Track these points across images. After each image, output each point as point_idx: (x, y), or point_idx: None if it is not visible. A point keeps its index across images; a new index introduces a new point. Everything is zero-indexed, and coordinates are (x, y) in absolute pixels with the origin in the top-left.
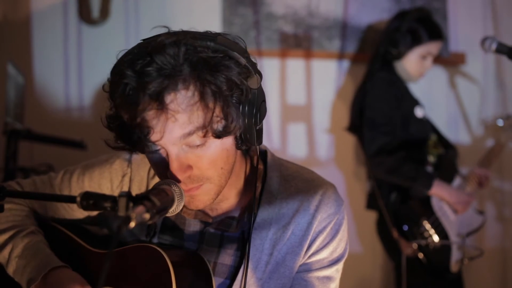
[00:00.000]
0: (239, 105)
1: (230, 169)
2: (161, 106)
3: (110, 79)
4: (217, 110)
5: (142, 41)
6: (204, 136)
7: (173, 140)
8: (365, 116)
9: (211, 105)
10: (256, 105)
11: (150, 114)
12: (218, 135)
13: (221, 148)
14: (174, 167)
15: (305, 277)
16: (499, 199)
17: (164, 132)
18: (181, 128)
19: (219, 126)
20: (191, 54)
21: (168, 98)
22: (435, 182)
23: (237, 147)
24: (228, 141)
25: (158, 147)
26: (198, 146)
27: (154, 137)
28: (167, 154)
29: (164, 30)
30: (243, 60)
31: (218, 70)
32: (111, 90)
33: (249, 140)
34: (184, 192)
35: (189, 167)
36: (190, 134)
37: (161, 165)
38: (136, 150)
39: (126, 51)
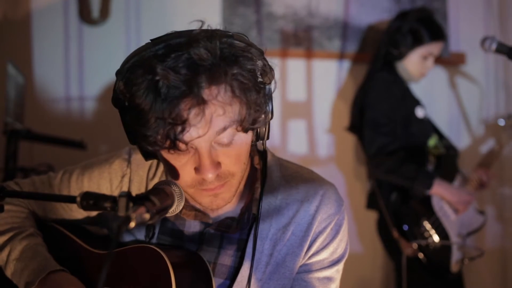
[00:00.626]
0: (262, 99)
1: (247, 164)
2: (203, 101)
3: (128, 80)
4: (250, 104)
5: (151, 40)
6: (237, 129)
7: (210, 135)
8: (365, 116)
9: (244, 98)
10: (271, 100)
11: (192, 111)
12: (247, 129)
13: (245, 143)
14: (207, 164)
15: (305, 278)
16: (499, 199)
17: (209, 127)
18: (223, 121)
19: (249, 119)
20: (224, 48)
21: (210, 93)
22: (436, 181)
23: (253, 142)
24: (250, 135)
25: (186, 148)
26: (226, 142)
27: (195, 133)
28: (196, 153)
29: (179, 28)
30: (261, 56)
31: (248, 65)
32: (132, 91)
33: (262, 135)
34: (208, 192)
35: (219, 164)
36: (225, 128)
37: (185, 167)
38: (164, 150)
39: (137, 49)
